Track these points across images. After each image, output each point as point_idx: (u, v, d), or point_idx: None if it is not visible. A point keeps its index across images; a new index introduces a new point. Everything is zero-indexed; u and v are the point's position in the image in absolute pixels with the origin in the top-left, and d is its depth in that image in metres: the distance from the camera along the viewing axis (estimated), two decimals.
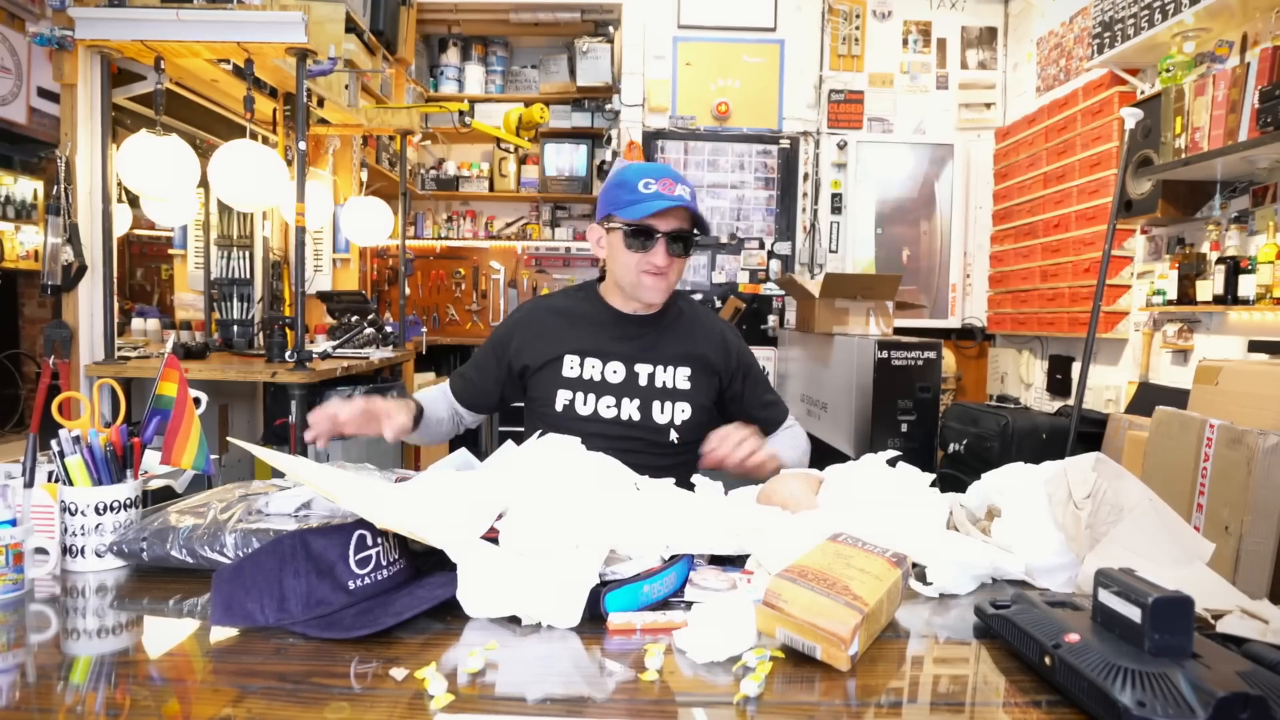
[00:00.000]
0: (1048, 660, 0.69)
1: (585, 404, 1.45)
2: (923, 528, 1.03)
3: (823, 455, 1.50)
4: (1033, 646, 0.72)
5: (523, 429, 1.42)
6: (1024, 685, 0.72)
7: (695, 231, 1.42)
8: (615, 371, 1.46)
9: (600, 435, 1.39)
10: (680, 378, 1.48)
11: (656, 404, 1.46)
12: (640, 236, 1.39)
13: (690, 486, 1.18)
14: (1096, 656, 0.65)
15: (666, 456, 1.46)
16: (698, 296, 4.68)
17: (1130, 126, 3.01)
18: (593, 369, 1.46)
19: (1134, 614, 0.66)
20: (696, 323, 1.55)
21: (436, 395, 1.57)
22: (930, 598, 0.93)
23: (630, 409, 1.45)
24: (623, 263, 1.43)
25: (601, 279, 1.57)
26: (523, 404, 1.57)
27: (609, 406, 1.45)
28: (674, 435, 1.47)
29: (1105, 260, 2.96)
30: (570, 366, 1.46)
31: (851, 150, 4.76)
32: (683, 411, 1.47)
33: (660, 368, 1.48)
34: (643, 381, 1.46)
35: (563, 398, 1.46)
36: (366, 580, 0.84)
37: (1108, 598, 0.69)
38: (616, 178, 1.44)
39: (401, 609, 0.81)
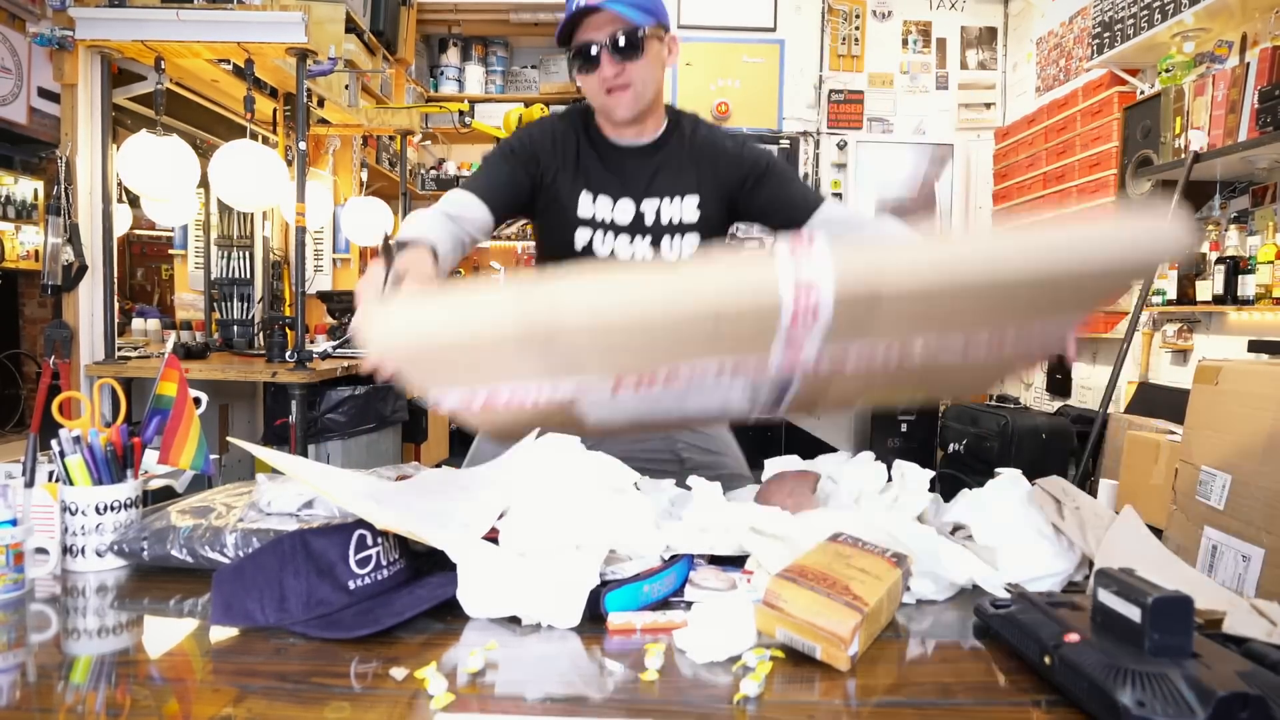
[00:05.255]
0: (1048, 660, 0.69)
1: (604, 244, 1.38)
2: (916, 530, 1.02)
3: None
4: (1033, 646, 0.72)
5: None
6: (1024, 685, 0.72)
7: (639, 26, 1.25)
8: (625, 210, 1.38)
9: None
10: (688, 209, 1.39)
11: (666, 239, 1.39)
12: (581, 57, 1.27)
13: (687, 486, 1.18)
14: (1096, 656, 0.65)
15: None
16: None
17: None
18: (604, 208, 1.37)
19: (1134, 614, 0.66)
20: (699, 143, 1.41)
21: (435, 228, 1.23)
22: (927, 600, 0.93)
23: (643, 248, 1.39)
24: (586, 91, 1.31)
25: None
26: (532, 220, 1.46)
27: (625, 246, 1.39)
28: None
29: None
30: (585, 205, 1.37)
31: (851, 150, 4.76)
32: (690, 244, 1.40)
33: (666, 200, 1.38)
34: (649, 220, 1.38)
35: (582, 237, 1.38)
36: (367, 580, 0.84)
37: (1108, 597, 0.69)
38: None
39: (402, 609, 0.81)
